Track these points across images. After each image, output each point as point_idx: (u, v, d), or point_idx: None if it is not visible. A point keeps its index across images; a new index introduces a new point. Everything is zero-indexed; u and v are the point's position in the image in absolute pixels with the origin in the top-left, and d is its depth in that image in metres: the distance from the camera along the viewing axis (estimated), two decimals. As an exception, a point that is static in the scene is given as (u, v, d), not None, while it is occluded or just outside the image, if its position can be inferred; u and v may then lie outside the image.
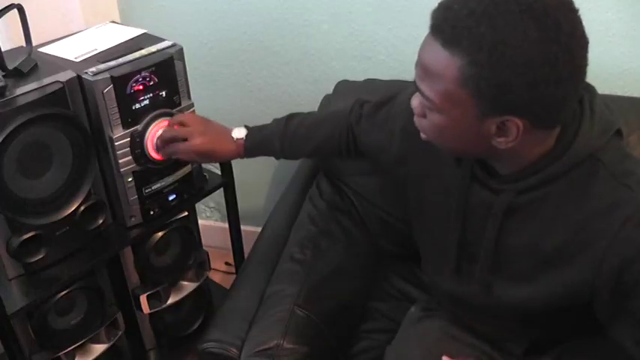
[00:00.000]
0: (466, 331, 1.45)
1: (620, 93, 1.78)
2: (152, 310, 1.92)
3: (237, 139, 1.59)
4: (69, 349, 1.71)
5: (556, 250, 1.17)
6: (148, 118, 1.61)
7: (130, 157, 1.63)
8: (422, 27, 2.02)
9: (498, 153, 1.11)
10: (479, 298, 1.32)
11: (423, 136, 1.20)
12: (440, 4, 1.05)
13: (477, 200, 1.24)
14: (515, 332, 1.40)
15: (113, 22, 1.88)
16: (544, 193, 1.15)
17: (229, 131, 1.60)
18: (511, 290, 1.26)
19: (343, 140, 1.57)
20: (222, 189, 2.00)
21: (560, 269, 1.17)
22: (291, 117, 1.60)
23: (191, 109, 1.71)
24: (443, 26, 1.03)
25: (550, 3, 0.99)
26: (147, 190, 1.72)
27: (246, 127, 1.61)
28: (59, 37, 1.76)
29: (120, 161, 1.62)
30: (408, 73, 2.00)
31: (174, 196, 1.80)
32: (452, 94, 1.05)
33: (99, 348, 1.80)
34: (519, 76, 0.99)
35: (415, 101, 1.16)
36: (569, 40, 0.99)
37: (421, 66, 1.09)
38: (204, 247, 2.06)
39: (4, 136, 1.38)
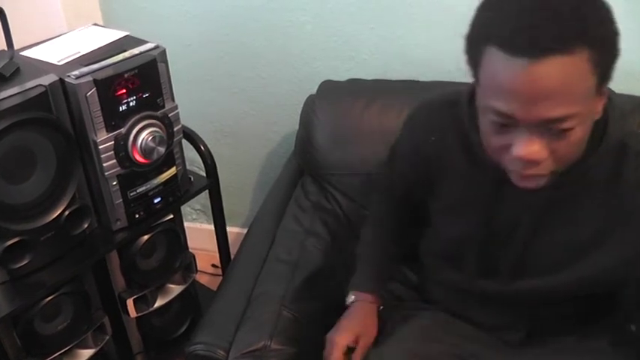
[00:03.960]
0: (462, 321, 1.46)
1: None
2: (139, 314, 1.92)
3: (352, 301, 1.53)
4: (56, 354, 1.70)
5: (594, 235, 1.20)
6: (131, 121, 1.61)
7: (115, 161, 1.62)
8: (404, 26, 2.05)
9: (591, 128, 1.09)
10: (502, 292, 1.34)
11: (534, 183, 1.11)
12: (523, 29, 0.97)
13: (508, 201, 1.24)
14: (519, 321, 1.40)
15: (96, 24, 1.87)
16: (582, 184, 1.17)
17: (358, 308, 1.52)
18: (538, 282, 1.29)
19: (400, 211, 1.57)
20: (207, 191, 1.99)
21: (598, 253, 1.22)
22: (356, 253, 1.60)
23: (175, 112, 1.71)
24: (555, 39, 0.95)
25: None
26: (132, 194, 1.71)
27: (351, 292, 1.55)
28: (41, 40, 1.75)
29: (104, 165, 1.61)
30: (391, 73, 2.04)
31: (159, 199, 1.79)
32: (589, 90, 1.01)
33: (86, 353, 1.79)
34: (615, 35, 1.00)
35: (533, 147, 1.04)
36: None
37: (550, 94, 0.98)
38: (190, 250, 2.06)
39: (-14, 141, 1.37)
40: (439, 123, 1.32)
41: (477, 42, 1.04)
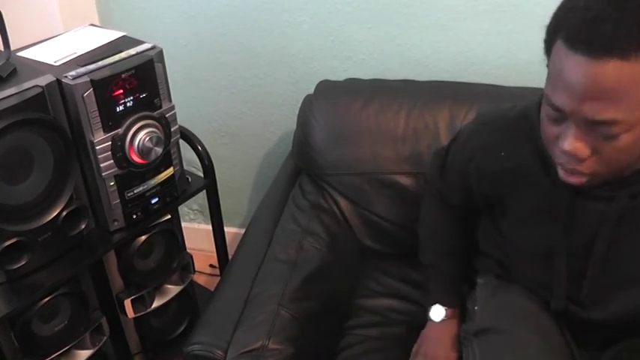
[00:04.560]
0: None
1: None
2: (137, 315, 1.92)
3: (439, 320, 1.56)
4: (53, 355, 1.70)
5: None
6: (128, 122, 1.60)
7: (112, 161, 1.62)
8: (401, 26, 2.05)
9: None
10: (587, 316, 1.31)
11: (576, 179, 1.12)
12: (588, 25, 0.97)
13: (582, 214, 1.22)
14: (599, 336, 1.38)
15: (92, 25, 1.87)
16: None
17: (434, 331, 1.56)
18: (621, 300, 1.26)
19: (455, 219, 1.58)
20: (205, 191, 1.99)
21: None
22: (426, 265, 1.62)
23: (172, 112, 1.70)
24: (619, 39, 0.94)
25: None
26: (129, 194, 1.71)
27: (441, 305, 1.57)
28: (38, 40, 1.74)
29: (101, 165, 1.61)
30: (389, 72, 2.04)
31: (156, 199, 1.79)
32: None
33: (84, 354, 1.79)
34: None
35: (576, 143, 1.05)
36: None
37: (599, 96, 0.98)
38: (188, 250, 2.06)
39: (-17, 142, 1.37)
40: (509, 138, 1.31)
41: (550, 32, 1.05)
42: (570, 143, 1.06)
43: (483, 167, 1.36)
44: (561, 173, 1.14)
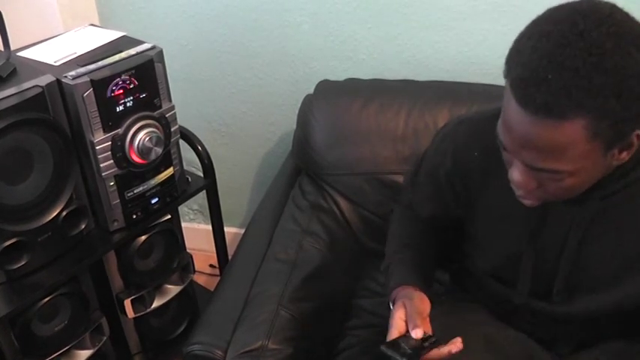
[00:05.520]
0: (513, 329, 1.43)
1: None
2: (137, 315, 1.92)
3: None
4: (53, 355, 1.70)
5: None
6: (128, 122, 1.60)
7: (112, 161, 1.62)
8: (401, 26, 2.05)
9: (612, 168, 1.08)
10: (553, 310, 1.32)
11: (529, 202, 1.13)
12: (524, 82, 0.96)
13: (553, 216, 1.22)
14: (569, 335, 1.38)
15: (92, 25, 1.87)
16: (629, 195, 1.15)
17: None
18: (590, 299, 1.27)
19: (422, 228, 1.50)
20: (204, 191, 1.99)
21: None
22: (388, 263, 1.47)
23: (172, 112, 1.70)
24: (553, 101, 0.93)
25: (617, 23, 0.95)
26: (129, 194, 1.71)
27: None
28: (38, 40, 1.74)
29: (101, 165, 1.61)
30: (389, 72, 2.04)
31: (156, 199, 1.79)
32: (583, 153, 0.98)
33: (84, 354, 1.79)
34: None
35: (522, 177, 1.07)
36: None
37: (536, 149, 0.99)
38: (188, 250, 2.06)
39: (-17, 142, 1.37)
40: (483, 138, 1.28)
41: (506, 66, 1.03)
42: (517, 176, 1.07)
43: (457, 167, 1.34)
44: (516, 195, 1.14)
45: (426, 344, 1.18)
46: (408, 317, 1.23)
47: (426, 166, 1.46)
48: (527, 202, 1.14)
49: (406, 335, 1.21)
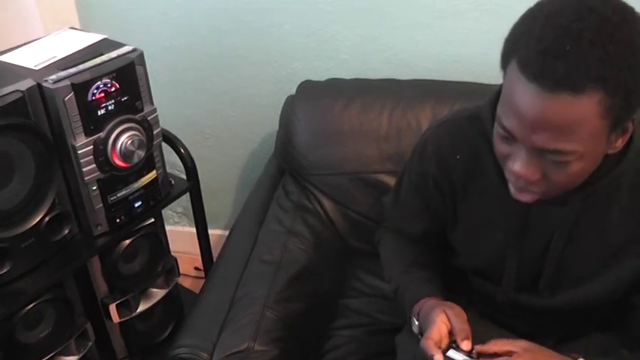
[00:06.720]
0: (497, 326, 1.43)
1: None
2: (122, 319, 1.91)
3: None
4: (38, 362, 1.69)
5: (626, 240, 1.20)
6: (110, 125, 1.59)
7: (94, 165, 1.61)
8: (383, 25, 2.05)
9: (601, 160, 1.08)
10: (538, 305, 1.33)
11: (527, 197, 1.12)
12: (541, 55, 0.95)
13: (537, 216, 1.23)
14: (551, 328, 1.40)
15: (72, 28, 1.86)
16: (611, 192, 1.16)
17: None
18: (574, 292, 1.28)
19: (415, 245, 1.50)
20: (188, 194, 1.99)
21: (632, 256, 1.21)
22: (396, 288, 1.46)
23: (154, 115, 1.70)
24: (575, 72, 0.93)
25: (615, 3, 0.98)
26: (112, 198, 1.70)
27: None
28: (17, 44, 1.73)
29: (84, 170, 1.60)
30: (371, 72, 2.05)
31: (140, 203, 1.78)
32: (593, 131, 0.98)
33: (69, 360, 1.78)
34: None
35: (526, 167, 1.05)
36: None
37: (549, 129, 0.98)
38: (172, 253, 2.05)
39: (-37, 148, 1.36)
40: (464, 139, 1.29)
41: (507, 51, 1.03)
42: (520, 167, 1.05)
43: (441, 169, 1.33)
44: (512, 190, 1.14)
45: (473, 355, 1.21)
46: (456, 328, 1.23)
47: (410, 178, 1.44)
48: (525, 197, 1.12)
49: (452, 346, 1.23)
